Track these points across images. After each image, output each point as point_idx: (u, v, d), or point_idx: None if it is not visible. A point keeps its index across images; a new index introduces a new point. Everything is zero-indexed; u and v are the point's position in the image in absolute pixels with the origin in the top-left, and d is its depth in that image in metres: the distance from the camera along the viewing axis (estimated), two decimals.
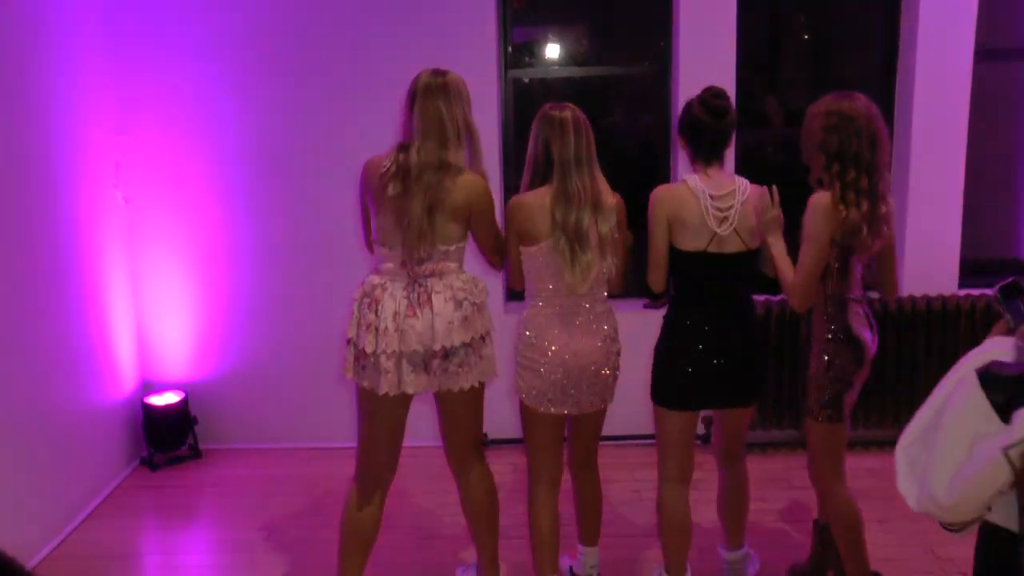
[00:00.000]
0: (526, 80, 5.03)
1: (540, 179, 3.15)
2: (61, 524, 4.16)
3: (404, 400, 3.19)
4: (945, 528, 2.03)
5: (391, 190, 3.05)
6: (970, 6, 4.61)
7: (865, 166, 2.98)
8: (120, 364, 4.78)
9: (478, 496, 3.41)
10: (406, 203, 3.04)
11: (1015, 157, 5.29)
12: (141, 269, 4.91)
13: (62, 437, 4.19)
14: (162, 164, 4.80)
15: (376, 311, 3.09)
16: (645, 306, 4.35)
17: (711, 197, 3.11)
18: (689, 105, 3.22)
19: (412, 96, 3.10)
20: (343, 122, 4.51)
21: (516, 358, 3.28)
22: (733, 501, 3.53)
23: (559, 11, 5.22)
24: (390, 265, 3.13)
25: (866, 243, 3.02)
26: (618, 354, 3.31)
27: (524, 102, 4.91)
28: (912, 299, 4.72)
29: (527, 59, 5.02)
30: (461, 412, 3.31)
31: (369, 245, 3.29)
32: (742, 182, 3.19)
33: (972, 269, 4.99)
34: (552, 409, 3.23)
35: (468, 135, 3.12)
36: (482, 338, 3.20)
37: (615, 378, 3.32)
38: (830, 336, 3.14)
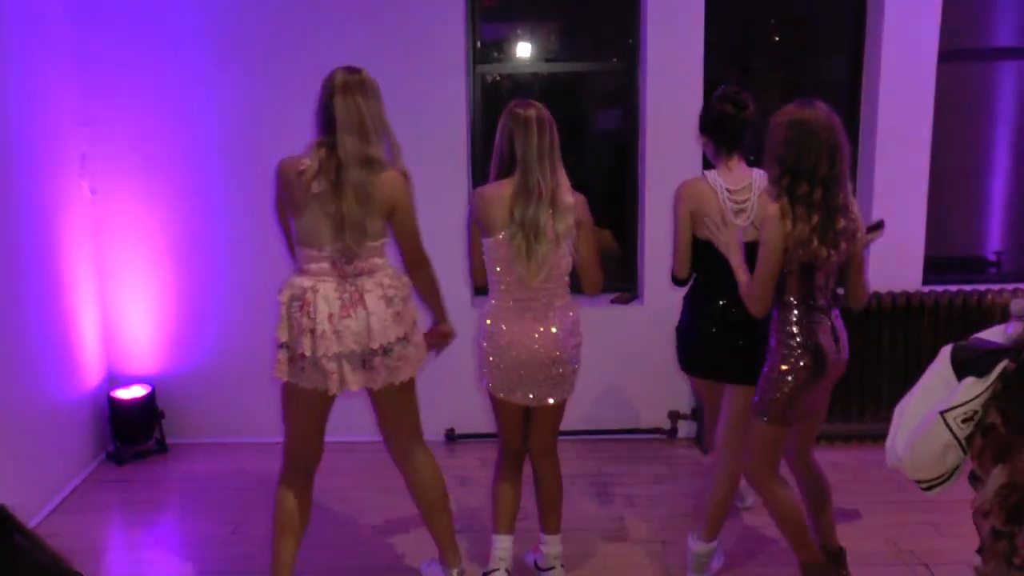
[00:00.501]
0: (496, 77, 5.04)
1: (505, 173, 3.25)
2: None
3: (334, 396, 3.25)
4: (920, 486, 2.40)
5: (315, 187, 3.04)
6: (933, 9, 4.67)
7: (821, 179, 2.98)
8: (86, 358, 4.75)
9: (426, 482, 3.46)
10: (336, 200, 3.04)
11: (979, 157, 5.36)
12: (108, 261, 4.88)
13: (26, 432, 4.16)
14: (129, 155, 4.77)
15: (309, 314, 3.07)
16: (612, 301, 4.37)
17: (728, 191, 3.32)
18: (709, 104, 3.45)
19: (329, 93, 3.10)
20: (307, 113, 4.47)
21: (477, 345, 3.42)
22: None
23: (530, 9, 5.24)
24: (317, 266, 3.11)
25: (820, 255, 3.02)
26: (577, 347, 3.38)
27: (495, 99, 4.92)
28: (877, 296, 4.78)
29: (496, 55, 5.02)
30: (402, 403, 3.36)
31: (291, 248, 3.27)
32: (759, 175, 3.34)
33: (936, 267, 5.06)
34: (510, 398, 3.35)
35: (386, 132, 3.16)
36: (413, 325, 3.27)
37: (574, 371, 3.39)
38: (790, 343, 3.15)
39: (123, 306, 4.94)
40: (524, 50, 5.12)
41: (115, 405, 4.80)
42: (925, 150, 4.82)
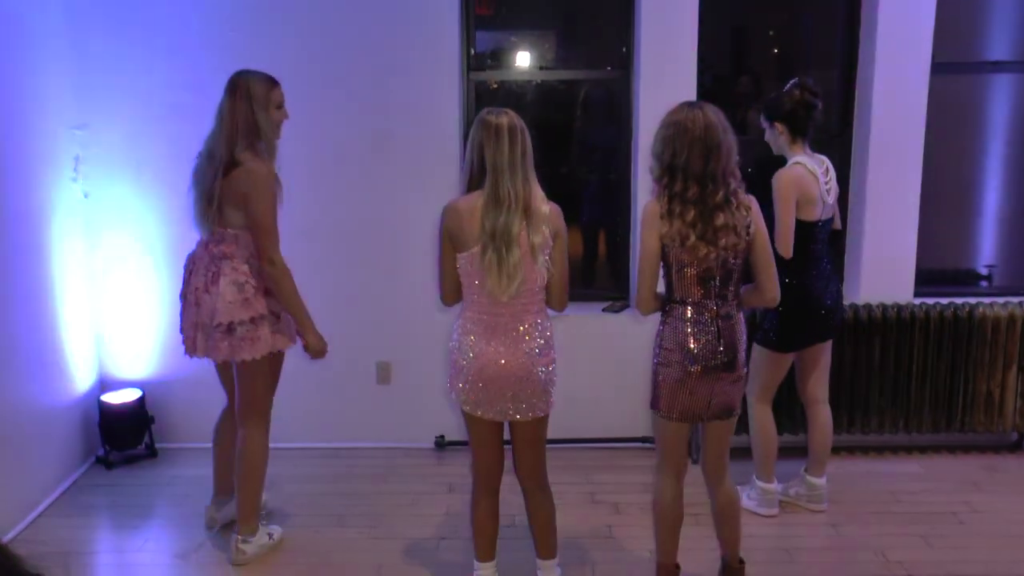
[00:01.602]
0: (494, 85, 5.06)
1: (476, 184, 3.14)
2: (14, 522, 4.11)
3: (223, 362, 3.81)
4: None
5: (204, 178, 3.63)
6: (927, 21, 4.68)
7: (696, 176, 3.04)
8: (76, 362, 4.74)
9: (242, 454, 3.82)
10: (193, 192, 3.67)
11: (972, 170, 5.38)
12: (99, 265, 4.87)
13: (15, 435, 4.15)
14: (123, 158, 4.77)
15: (187, 281, 3.71)
16: (604, 310, 4.38)
17: (816, 175, 3.87)
18: (788, 95, 3.92)
19: None
20: (302, 119, 4.48)
21: (448, 357, 3.32)
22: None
23: (525, 18, 5.25)
24: (199, 245, 3.74)
25: (698, 252, 3.07)
26: (551, 364, 3.25)
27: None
28: (868, 307, 4.78)
29: (489, 63, 5.03)
30: (241, 379, 3.75)
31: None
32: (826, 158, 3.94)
33: (928, 280, 5.07)
34: (476, 412, 3.25)
35: (254, 128, 3.54)
36: (262, 318, 3.62)
37: (546, 389, 3.24)
38: (659, 340, 3.23)
39: (115, 310, 4.93)
40: (518, 58, 5.14)
41: (105, 409, 4.79)
42: (917, 162, 4.83)
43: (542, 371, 3.21)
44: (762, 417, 4.17)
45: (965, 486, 4.56)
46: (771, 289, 3.26)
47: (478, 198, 3.09)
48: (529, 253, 3.09)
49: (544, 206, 3.13)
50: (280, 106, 3.70)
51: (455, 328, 3.27)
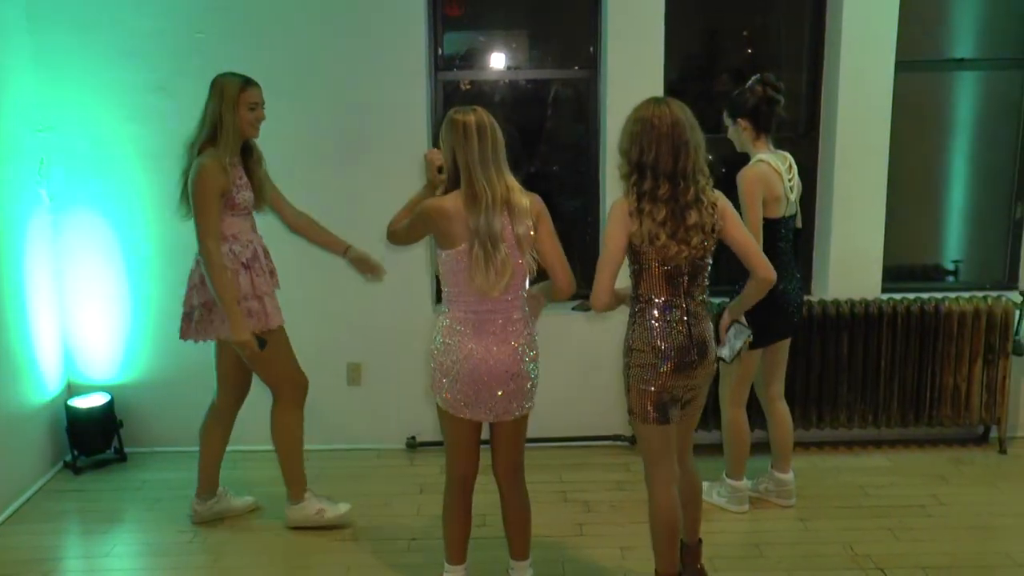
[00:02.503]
0: (468, 86, 5.05)
1: (453, 184, 3.15)
2: None
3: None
4: None
5: None
6: (890, 20, 4.73)
7: (667, 173, 3.01)
8: (44, 366, 4.70)
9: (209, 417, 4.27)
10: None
11: (937, 167, 5.42)
12: (67, 269, 4.84)
13: None
14: (88, 161, 4.74)
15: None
16: (573, 308, 4.37)
17: (780, 172, 3.90)
18: (751, 91, 3.93)
19: None
20: (271, 122, 4.46)
21: (432, 363, 3.25)
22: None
23: (494, 18, 5.26)
24: None
25: (669, 250, 3.04)
26: (535, 360, 3.27)
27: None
28: (836, 303, 4.82)
29: (458, 63, 5.03)
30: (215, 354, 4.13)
31: None
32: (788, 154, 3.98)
33: (895, 275, 5.12)
34: (466, 414, 3.22)
35: (219, 125, 3.76)
36: (214, 303, 3.82)
37: (532, 385, 3.27)
38: (632, 338, 3.18)
39: (83, 313, 4.90)
40: (487, 58, 5.14)
41: (73, 414, 4.75)
42: (883, 159, 4.88)
43: (531, 368, 3.24)
44: (736, 418, 4.17)
45: (932, 479, 4.61)
46: (763, 267, 3.19)
47: (458, 197, 3.09)
48: (516, 247, 3.11)
49: (523, 198, 3.14)
50: (254, 107, 3.83)
51: (439, 330, 3.22)
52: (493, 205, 3.05)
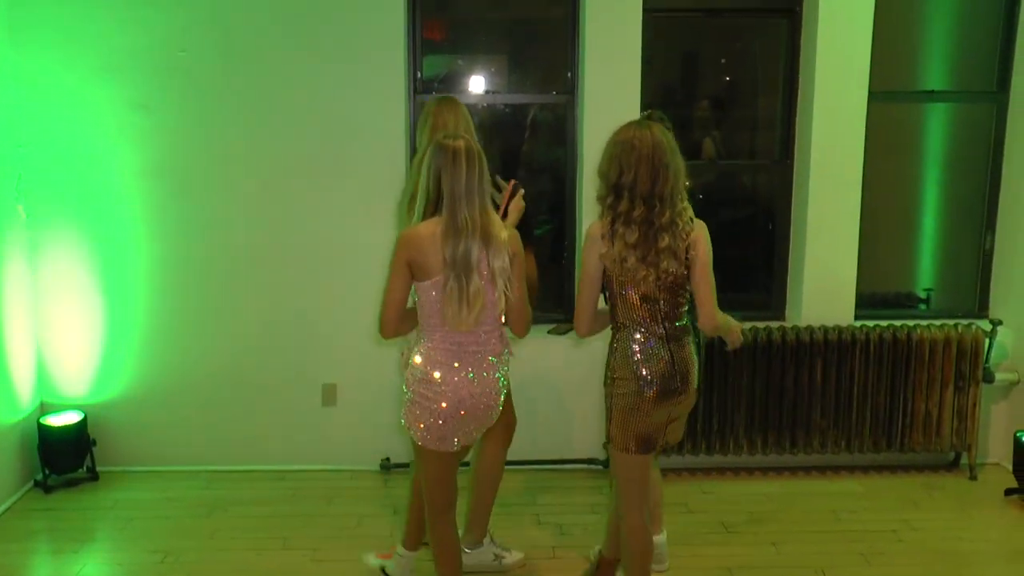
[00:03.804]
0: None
1: (432, 210, 3.08)
2: None
3: None
4: None
5: None
6: (863, 51, 4.82)
7: (643, 195, 2.99)
8: (16, 384, 4.66)
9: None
10: None
11: (910, 196, 5.49)
12: (42, 286, 4.82)
13: None
14: (66, 178, 4.73)
15: None
16: (549, 332, 4.39)
17: None
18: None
19: None
20: (250, 141, 4.52)
21: (408, 395, 3.17)
22: None
23: (475, 43, 5.31)
24: None
25: (638, 274, 3.02)
26: (508, 387, 3.29)
27: None
28: (810, 330, 4.86)
29: (437, 86, 5.06)
30: None
31: None
32: None
33: (868, 302, 5.18)
34: (446, 447, 3.16)
35: None
36: None
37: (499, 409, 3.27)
38: (612, 365, 3.15)
39: (57, 331, 4.88)
40: (466, 81, 5.18)
41: (45, 432, 4.71)
42: (856, 188, 4.94)
43: (505, 392, 3.25)
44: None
45: (904, 504, 4.64)
46: (709, 315, 3.14)
47: (437, 225, 3.03)
48: (490, 280, 3.05)
49: (503, 231, 3.09)
50: None
51: (419, 361, 3.13)
52: (472, 236, 3.00)
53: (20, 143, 4.66)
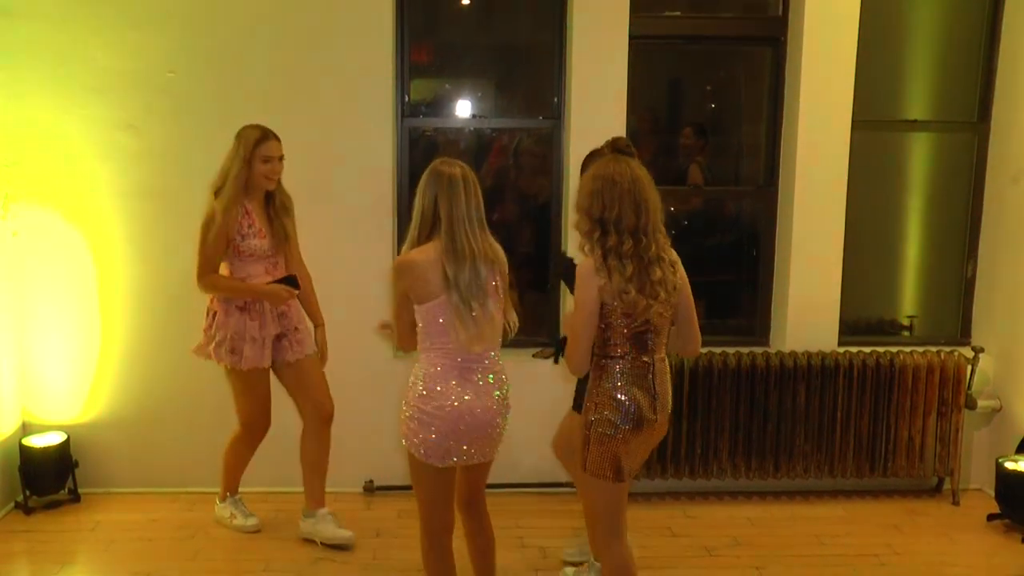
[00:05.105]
0: (430, 133, 5.13)
1: (427, 234, 3.13)
2: None
3: None
4: None
5: None
6: (846, 81, 4.89)
7: (630, 230, 3.00)
8: None
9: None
10: None
11: (893, 224, 5.54)
12: (27, 305, 4.80)
13: None
14: (53, 197, 4.73)
15: None
16: (534, 356, 4.41)
17: None
18: (599, 152, 3.46)
19: None
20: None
21: (408, 412, 3.18)
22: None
23: (462, 68, 5.36)
24: None
25: (639, 305, 3.01)
26: (509, 408, 3.32)
27: (427, 154, 4.99)
28: (794, 355, 4.89)
29: (424, 110, 5.10)
30: None
31: None
32: None
33: (852, 329, 5.22)
34: (447, 462, 3.17)
35: (224, 174, 4.06)
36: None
37: (502, 432, 3.32)
38: (594, 395, 3.13)
39: (40, 351, 4.86)
40: (454, 106, 5.22)
41: (26, 453, 4.68)
42: (840, 215, 5.00)
43: (506, 413, 3.29)
44: None
45: (887, 529, 4.65)
46: (698, 340, 3.23)
47: (433, 249, 3.08)
48: (496, 298, 3.17)
49: (501, 252, 3.22)
50: (268, 160, 4.08)
51: (418, 378, 3.17)
52: (478, 259, 3.09)
53: (7, 162, 4.66)
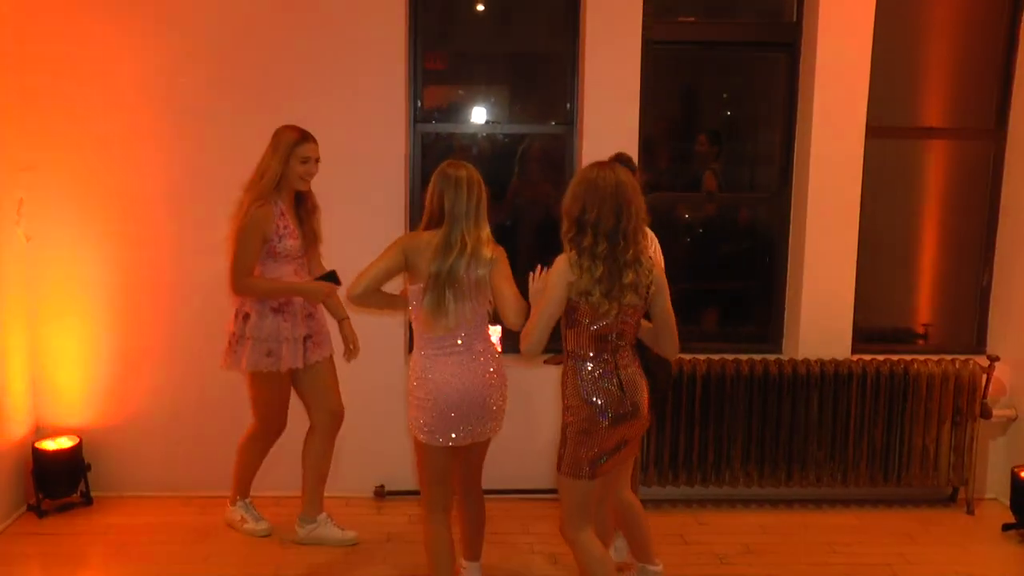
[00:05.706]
0: (444, 135, 5.14)
1: (434, 226, 3.50)
2: None
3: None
4: None
5: None
6: (861, 87, 4.87)
7: (607, 232, 3.11)
8: (11, 407, 4.65)
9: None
10: None
11: (908, 231, 5.51)
12: (40, 309, 4.83)
13: None
14: (68, 203, 4.76)
15: None
16: (546, 362, 4.40)
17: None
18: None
19: None
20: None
21: (409, 399, 3.56)
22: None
23: (476, 74, 5.36)
24: None
25: (601, 307, 3.13)
26: (505, 386, 3.61)
27: (438, 159, 4.98)
28: (807, 363, 4.86)
29: (437, 115, 5.11)
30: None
31: None
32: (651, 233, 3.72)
33: (866, 337, 5.18)
34: (443, 441, 3.47)
35: (261, 174, 4.08)
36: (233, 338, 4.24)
37: (503, 407, 3.62)
38: (567, 397, 3.27)
39: (55, 355, 4.88)
40: (469, 113, 5.22)
41: (39, 456, 4.70)
42: (854, 222, 4.97)
43: (501, 389, 3.59)
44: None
45: (900, 538, 4.62)
46: (676, 346, 3.39)
47: (435, 236, 3.44)
48: (472, 288, 3.44)
49: (489, 252, 3.46)
50: (306, 160, 4.11)
51: (412, 368, 3.54)
52: (461, 254, 3.40)
53: (23, 167, 4.69)
